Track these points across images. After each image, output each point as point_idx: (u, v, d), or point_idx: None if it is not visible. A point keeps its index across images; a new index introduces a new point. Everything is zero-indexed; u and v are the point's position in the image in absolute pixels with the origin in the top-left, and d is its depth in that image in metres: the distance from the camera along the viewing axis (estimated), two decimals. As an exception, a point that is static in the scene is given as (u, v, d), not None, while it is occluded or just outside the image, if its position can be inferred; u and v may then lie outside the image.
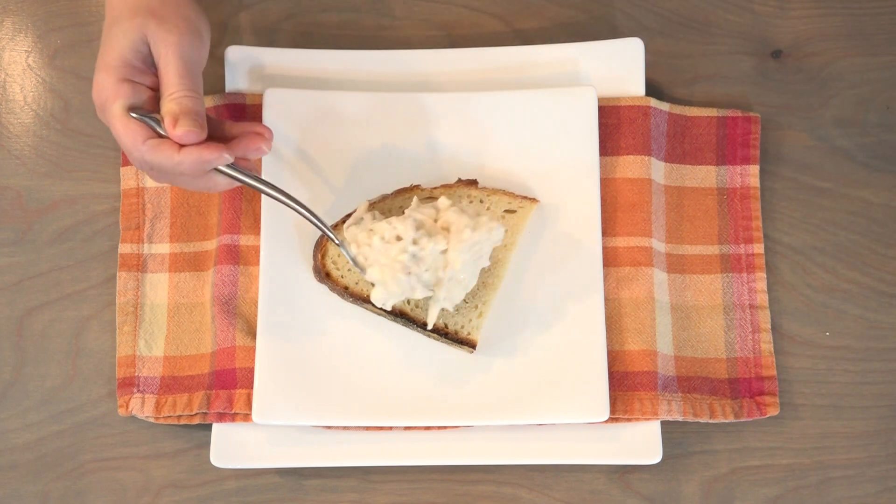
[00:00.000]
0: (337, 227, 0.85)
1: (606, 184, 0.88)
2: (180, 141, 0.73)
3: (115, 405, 0.87)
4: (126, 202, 0.90)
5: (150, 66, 0.77)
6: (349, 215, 0.84)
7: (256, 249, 0.87)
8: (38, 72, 0.94)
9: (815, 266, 0.88)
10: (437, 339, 0.84)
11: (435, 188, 0.86)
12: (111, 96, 0.74)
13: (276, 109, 0.87)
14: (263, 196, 0.86)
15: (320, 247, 0.85)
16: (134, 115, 0.74)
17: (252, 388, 0.83)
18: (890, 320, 0.87)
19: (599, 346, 0.83)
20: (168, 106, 0.74)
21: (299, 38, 0.93)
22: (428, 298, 0.82)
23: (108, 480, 0.86)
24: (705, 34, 0.93)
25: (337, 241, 0.81)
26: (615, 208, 0.87)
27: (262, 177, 0.86)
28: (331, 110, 0.88)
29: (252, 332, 0.85)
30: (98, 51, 0.77)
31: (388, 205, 0.85)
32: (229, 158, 0.75)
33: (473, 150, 0.88)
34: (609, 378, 0.83)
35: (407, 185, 0.86)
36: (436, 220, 0.81)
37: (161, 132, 0.74)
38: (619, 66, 0.89)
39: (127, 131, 0.74)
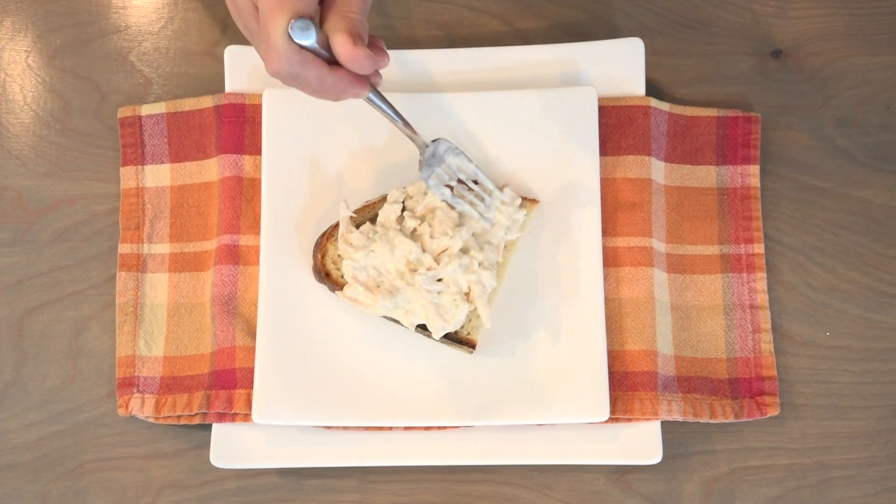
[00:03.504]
0: (331, 233, 0.85)
1: (606, 184, 0.88)
2: (351, 63, 0.68)
3: (115, 405, 0.87)
4: (126, 202, 0.90)
5: None
6: (363, 213, 0.84)
7: (256, 249, 0.87)
8: (38, 72, 0.94)
9: (815, 266, 0.88)
10: (437, 340, 0.83)
11: (435, 188, 0.86)
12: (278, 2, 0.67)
13: (276, 110, 0.87)
14: (264, 196, 0.86)
15: (320, 247, 0.85)
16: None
17: (252, 388, 0.83)
18: (890, 320, 0.87)
19: (599, 346, 0.83)
20: (343, 24, 0.68)
21: (299, 37, 0.93)
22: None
23: (108, 480, 0.86)
24: (705, 34, 0.93)
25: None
26: (615, 208, 0.87)
27: (264, 180, 0.87)
28: (331, 110, 0.88)
29: (252, 332, 0.85)
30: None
31: (375, 210, 0.85)
32: (367, 93, 0.71)
33: (473, 150, 0.88)
34: (609, 378, 0.83)
35: (407, 185, 0.86)
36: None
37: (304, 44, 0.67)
38: (619, 66, 0.89)
39: (287, 42, 0.67)
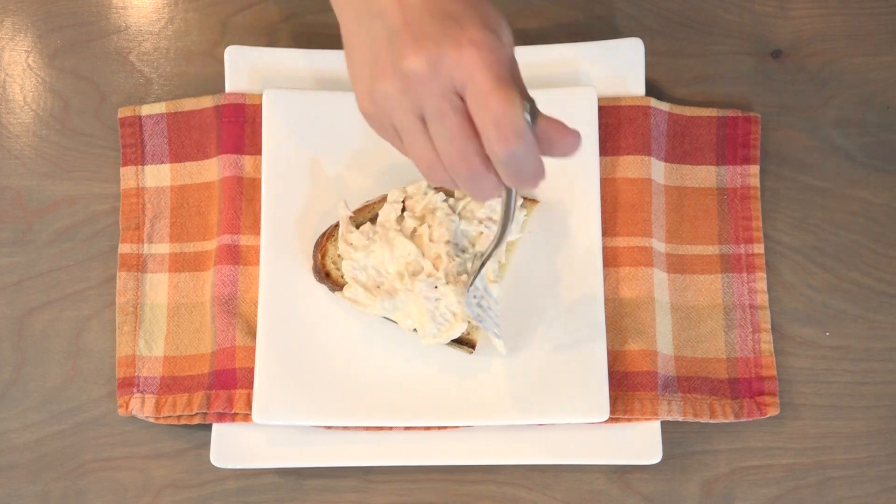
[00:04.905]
0: (331, 233, 0.85)
1: (606, 184, 0.88)
2: (569, 142, 0.65)
3: (115, 405, 0.87)
4: (126, 202, 0.90)
5: None
6: (363, 213, 0.84)
7: (256, 249, 0.87)
8: (38, 72, 0.94)
9: (815, 266, 0.88)
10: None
11: (436, 189, 0.86)
12: (510, 78, 0.62)
13: (276, 110, 0.87)
14: (264, 196, 0.86)
15: (320, 247, 0.85)
16: None
17: (252, 388, 0.83)
18: (890, 320, 0.87)
19: (599, 346, 0.83)
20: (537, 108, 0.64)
21: (299, 38, 0.93)
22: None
23: (108, 480, 0.86)
24: (705, 34, 0.93)
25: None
26: (615, 208, 0.87)
27: (264, 180, 0.87)
28: (331, 111, 0.88)
29: (252, 332, 0.85)
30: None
31: (375, 210, 0.85)
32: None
33: (473, 150, 0.88)
34: (609, 378, 0.83)
35: (407, 185, 0.86)
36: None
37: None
38: (619, 66, 0.89)
39: (526, 124, 0.62)
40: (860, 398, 0.86)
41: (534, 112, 0.63)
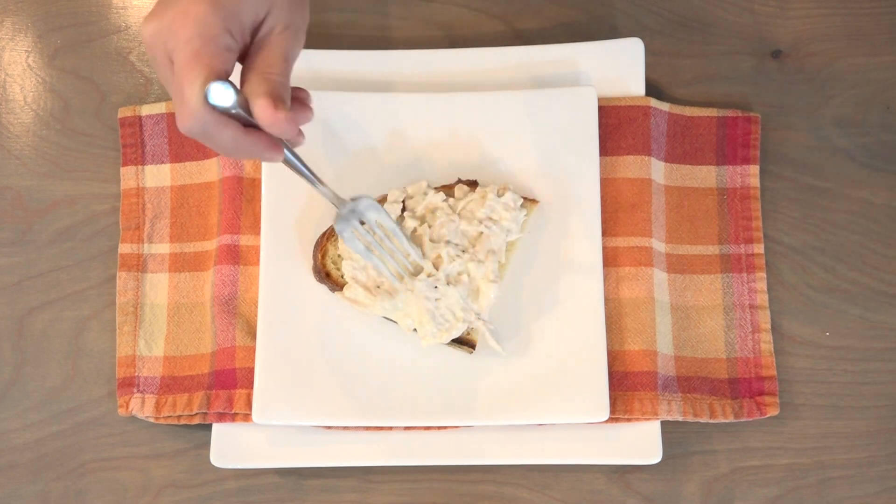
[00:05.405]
0: (331, 233, 0.85)
1: (606, 184, 0.88)
2: (271, 128, 0.65)
3: (115, 405, 0.87)
4: (126, 202, 0.90)
5: (245, 35, 0.67)
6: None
7: (256, 249, 0.87)
8: (38, 72, 0.94)
9: (815, 266, 0.88)
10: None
11: (436, 188, 0.86)
12: (203, 54, 0.63)
13: (276, 109, 0.87)
14: (264, 196, 0.86)
15: (320, 247, 0.85)
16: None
17: (252, 388, 0.83)
18: (890, 320, 0.87)
19: (599, 346, 0.83)
20: (264, 86, 0.65)
21: (299, 38, 0.93)
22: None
23: (108, 480, 0.86)
24: (705, 34, 0.93)
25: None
26: (615, 208, 0.87)
27: (264, 180, 0.87)
28: (330, 111, 0.88)
29: (252, 332, 0.85)
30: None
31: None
32: (281, 158, 0.69)
33: (473, 150, 0.88)
34: (609, 378, 0.83)
35: (408, 185, 0.86)
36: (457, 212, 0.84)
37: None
38: (619, 66, 0.89)
39: (202, 103, 0.63)
40: (860, 398, 0.86)
41: (224, 90, 0.63)
